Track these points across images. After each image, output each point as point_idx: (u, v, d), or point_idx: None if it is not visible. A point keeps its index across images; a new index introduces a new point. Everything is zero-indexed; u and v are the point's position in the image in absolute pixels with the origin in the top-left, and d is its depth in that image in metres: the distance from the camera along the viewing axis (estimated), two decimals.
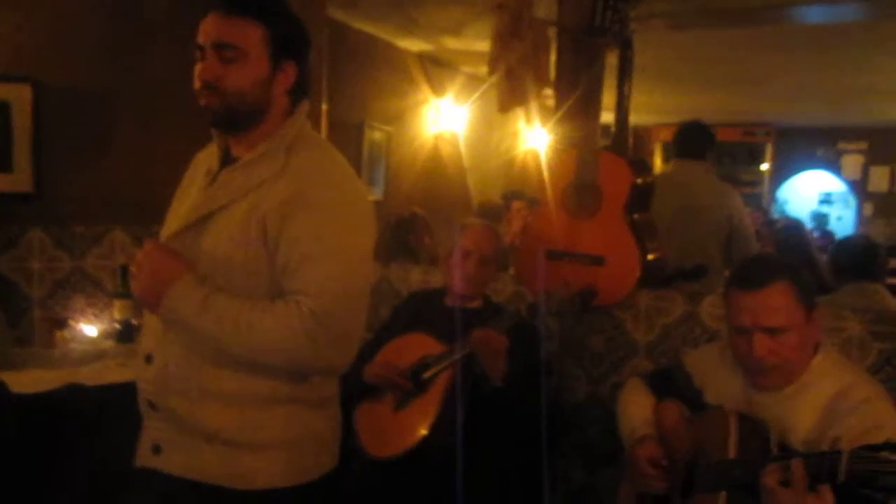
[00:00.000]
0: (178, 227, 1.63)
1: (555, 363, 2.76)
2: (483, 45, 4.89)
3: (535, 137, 6.58)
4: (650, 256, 2.58)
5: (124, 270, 3.21)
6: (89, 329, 3.24)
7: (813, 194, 9.73)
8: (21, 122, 3.08)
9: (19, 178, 3.10)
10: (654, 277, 2.62)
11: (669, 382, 2.08)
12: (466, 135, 5.56)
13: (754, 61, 5.38)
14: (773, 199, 9.28)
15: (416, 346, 2.41)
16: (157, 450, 1.64)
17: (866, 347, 2.31)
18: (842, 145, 8.87)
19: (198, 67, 1.58)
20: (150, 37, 3.40)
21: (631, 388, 2.17)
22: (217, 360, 1.55)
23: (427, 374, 2.30)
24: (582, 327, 2.72)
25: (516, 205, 5.04)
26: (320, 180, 1.57)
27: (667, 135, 7.62)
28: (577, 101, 2.66)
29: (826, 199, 9.73)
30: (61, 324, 3.13)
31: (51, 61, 3.16)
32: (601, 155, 2.59)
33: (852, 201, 9.34)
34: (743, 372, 1.89)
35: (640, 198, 2.62)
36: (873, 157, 8.93)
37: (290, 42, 1.61)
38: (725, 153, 8.86)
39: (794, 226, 5.11)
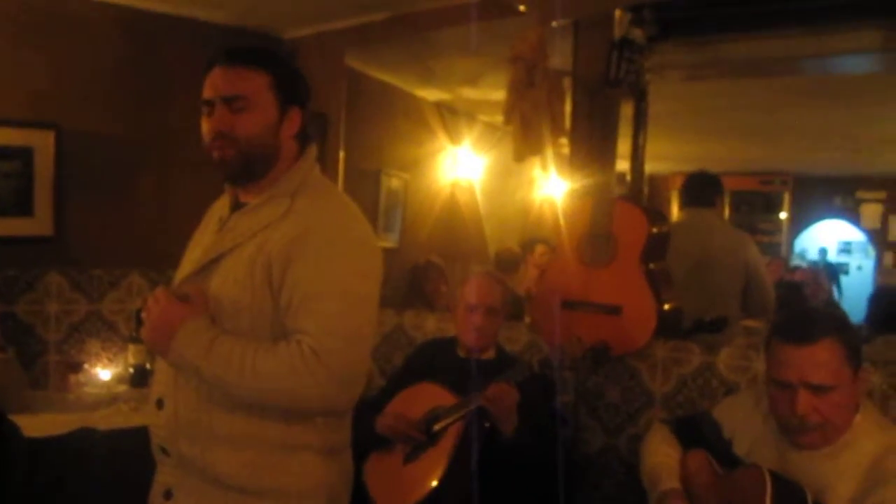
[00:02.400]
0: (190, 271, 1.67)
1: (569, 414, 2.73)
2: (499, 95, 4.91)
3: (551, 185, 6.60)
4: (666, 306, 2.56)
5: (139, 314, 3.23)
6: (103, 373, 3.25)
7: (831, 243, 9.66)
8: (43, 166, 3.14)
9: (40, 222, 3.16)
10: (670, 327, 2.59)
11: (697, 432, 2.01)
12: (483, 182, 5.58)
13: (770, 111, 5.39)
14: (791, 248, 9.22)
15: (427, 397, 2.39)
16: (168, 495, 1.64)
17: (888, 401, 2.26)
18: (860, 194, 8.82)
19: (206, 122, 1.62)
20: (168, 87, 3.49)
21: (656, 435, 2.09)
22: (227, 405, 1.56)
23: (437, 427, 2.28)
24: (597, 378, 2.69)
25: (539, 248, 5.00)
26: (324, 222, 1.59)
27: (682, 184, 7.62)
28: (593, 150, 2.67)
29: (845, 249, 9.65)
30: (76, 368, 3.14)
31: (73, 108, 3.24)
32: (616, 204, 2.59)
33: (871, 251, 9.25)
34: (779, 427, 1.81)
35: (656, 247, 2.60)
36: (893, 207, 8.87)
37: (292, 88, 1.66)
38: (743, 201, 8.83)
39: (791, 285, 5.06)
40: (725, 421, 2.00)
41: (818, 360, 1.70)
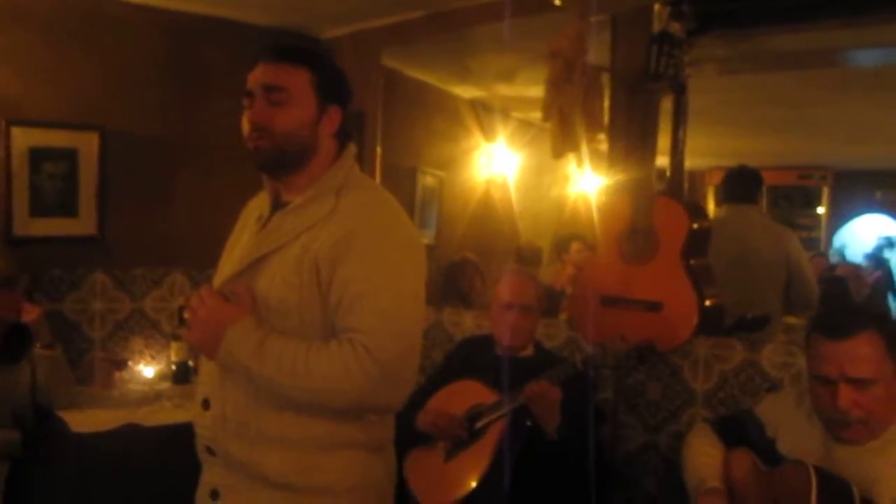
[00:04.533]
0: (232, 272, 1.66)
1: (608, 411, 2.71)
2: (534, 91, 4.93)
3: (586, 181, 6.56)
4: (708, 302, 2.53)
5: (181, 312, 3.28)
6: (147, 370, 3.31)
7: (872, 239, 9.46)
8: (87, 167, 3.21)
9: (84, 222, 3.22)
10: (712, 324, 2.56)
11: (740, 431, 2.00)
12: (517, 179, 5.57)
13: (809, 104, 5.30)
14: (830, 243, 9.06)
15: (468, 394, 2.39)
16: (215, 495, 1.64)
17: None
18: None
19: (246, 114, 1.63)
20: (209, 88, 3.54)
21: (698, 434, 2.08)
22: (276, 404, 1.55)
23: (480, 424, 2.28)
24: (638, 375, 2.67)
25: (575, 245, 4.97)
26: (371, 221, 1.59)
27: (720, 178, 7.53)
28: (632, 145, 2.65)
29: (888, 243, 9.44)
30: (120, 365, 3.19)
31: (117, 110, 3.30)
32: (657, 199, 2.57)
33: None
34: (823, 424, 1.81)
35: (697, 243, 2.58)
36: None
37: (333, 87, 1.67)
38: (781, 196, 8.70)
39: (835, 279, 4.96)
40: (769, 419, 1.99)
41: (858, 353, 1.70)
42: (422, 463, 2.37)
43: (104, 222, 3.26)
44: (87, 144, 3.20)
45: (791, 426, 1.91)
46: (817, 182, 8.77)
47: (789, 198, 8.76)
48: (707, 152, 7.36)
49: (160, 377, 3.30)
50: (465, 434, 2.30)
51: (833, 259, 8.46)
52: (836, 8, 2.93)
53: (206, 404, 1.64)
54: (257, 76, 1.63)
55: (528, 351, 2.55)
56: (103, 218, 3.25)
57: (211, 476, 1.66)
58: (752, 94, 4.95)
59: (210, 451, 1.64)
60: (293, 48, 1.67)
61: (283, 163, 1.64)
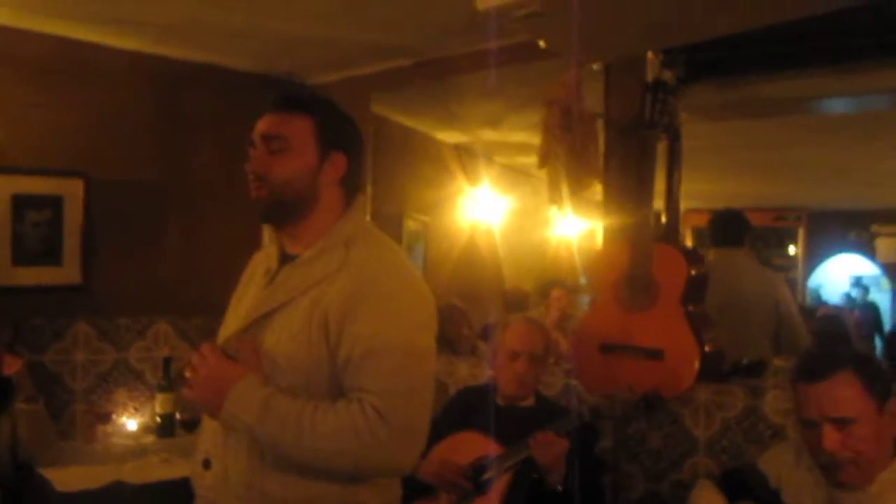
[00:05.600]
0: (238, 327, 1.61)
1: (609, 460, 2.67)
2: (519, 137, 4.99)
3: (566, 225, 6.60)
4: (707, 348, 2.52)
5: (167, 363, 3.21)
6: (130, 423, 3.21)
7: (845, 279, 9.60)
8: (72, 215, 3.15)
9: (68, 271, 3.15)
10: (711, 369, 2.54)
11: (742, 484, 1.99)
12: (501, 224, 5.58)
13: (785, 147, 5.41)
14: (805, 283, 9.17)
15: (471, 446, 2.34)
16: None
17: None
18: (875, 228, 8.80)
19: (248, 164, 1.61)
20: (195, 135, 3.52)
21: (701, 490, 2.07)
22: (281, 467, 1.50)
23: (486, 476, 2.23)
24: (638, 423, 2.64)
25: (555, 293, 4.99)
26: (381, 275, 1.55)
27: (697, 220, 7.60)
28: (627, 192, 2.65)
29: (857, 283, 9.59)
30: (104, 418, 3.10)
31: (102, 157, 3.26)
32: (655, 247, 2.56)
33: (886, 284, 9.20)
34: (821, 470, 1.82)
35: (696, 289, 2.57)
36: None
37: (336, 133, 1.64)
38: (756, 237, 8.80)
39: (832, 314, 5.03)
40: (771, 470, 1.99)
41: (835, 394, 1.74)
42: None
43: (89, 270, 3.19)
44: (72, 191, 3.14)
45: (794, 476, 1.92)
46: (792, 223, 8.92)
47: (764, 238, 8.87)
48: (684, 195, 7.42)
49: (144, 430, 3.20)
50: (468, 486, 2.25)
51: (808, 301, 8.58)
52: (816, 57, 3.00)
53: (206, 464, 1.59)
54: (259, 126, 1.62)
55: (530, 401, 2.50)
56: (88, 266, 3.18)
57: None
58: (731, 138, 5.03)
59: None
60: (294, 96, 1.66)
61: (282, 212, 1.61)
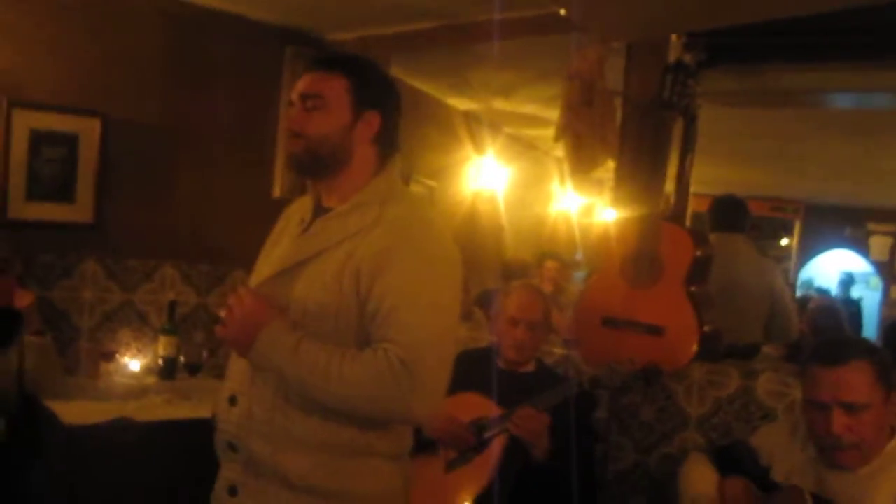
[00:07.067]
0: (271, 273, 1.66)
1: (601, 430, 2.75)
2: (530, 108, 5.00)
3: (568, 201, 6.65)
4: (706, 328, 2.59)
5: (172, 307, 3.25)
6: (133, 363, 3.26)
7: (835, 274, 9.69)
8: (87, 153, 3.15)
9: (81, 209, 3.16)
10: (709, 350, 2.61)
11: (734, 459, 2.06)
12: (504, 193, 5.61)
13: (788, 139, 5.45)
14: (797, 275, 9.26)
15: (471, 407, 2.40)
16: (232, 492, 1.64)
17: None
18: (871, 226, 8.88)
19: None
20: (213, 81, 3.50)
21: (693, 462, 2.13)
22: (305, 408, 1.56)
23: (488, 434, 2.30)
24: (633, 396, 2.71)
25: (549, 264, 5.04)
26: (413, 234, 1.61)
27: (697, 205, 7.64)
28: (641, 171, 2.69)
29: (846, 279, 9.65)
30: (108, 356, 3.14)
31: (119, 97, 3.25)
32: (663, 226, 2.61)
33: (875, 282, 9.30)
34: (817, 450, 1.89)
35: (700, 269, 2.63)
36: None
37: (372, 93, 1.67)
38: (753, 226, 8.85)
39: (828, 306, 5.11)
40: (763, 448, 2.06)
41: (850, 379, 1.81)
42: (422, 471, 2.36)
43: (101, 210, 3.20)
44: (88, 130, 3.14)
45: (785, 454, 1.99)
46: (789, 215, 8.98)
47: (760, 228, 8.93)
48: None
49: (146, 371, 3.25)
50: (472, 440, 2.31)
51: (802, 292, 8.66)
52: (837, 51, 3.03)
53: (232, 400, 1.65)
54: (298, 86, 1.67)
55: (530, 367, 2.57)
56: (100, 206, 3.19)
57: (230, 472, 1.66)
58: (736, 125, 5.05)
59: (232, 447, 1.64)
60: (332, 56, 1.72)
61: (316, 166, 1.66)
